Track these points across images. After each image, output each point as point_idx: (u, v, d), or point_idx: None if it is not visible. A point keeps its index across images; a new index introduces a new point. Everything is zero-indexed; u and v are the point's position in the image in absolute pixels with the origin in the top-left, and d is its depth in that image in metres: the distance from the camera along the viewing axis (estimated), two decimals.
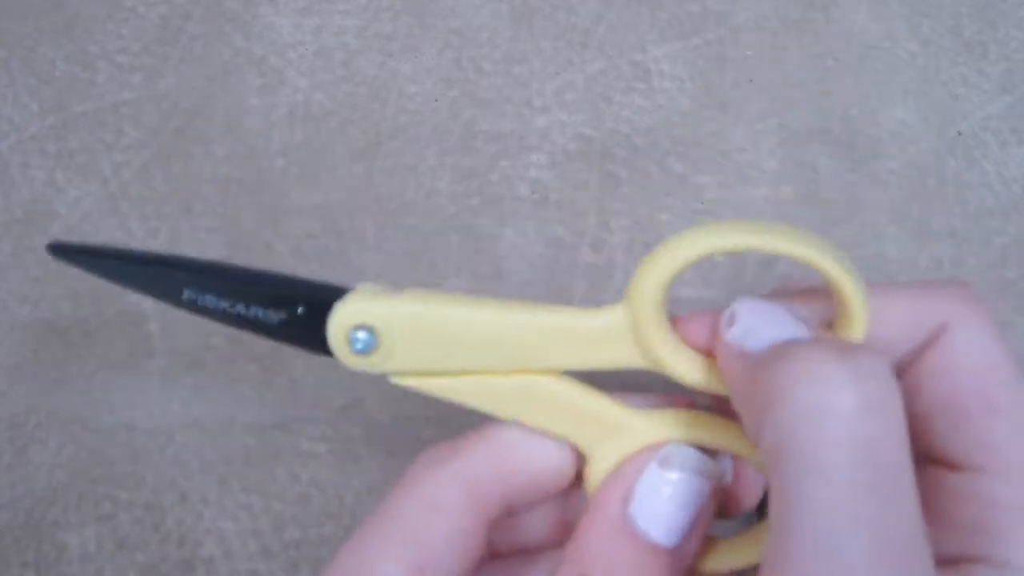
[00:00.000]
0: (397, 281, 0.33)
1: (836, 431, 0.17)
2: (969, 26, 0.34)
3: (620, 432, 0.23)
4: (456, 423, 0.32)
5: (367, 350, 0.22)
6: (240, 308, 0.22)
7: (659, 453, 0.22)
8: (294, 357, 0.33)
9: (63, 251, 0.23)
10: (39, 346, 0.33)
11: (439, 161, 0.34)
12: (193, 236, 0.33)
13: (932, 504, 0.20)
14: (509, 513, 0.23)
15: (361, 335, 0.22)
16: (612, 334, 0.22)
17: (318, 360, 0.33)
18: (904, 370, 0.21)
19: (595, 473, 0.23)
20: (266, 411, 0.32)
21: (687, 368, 0.22)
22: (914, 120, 0.33)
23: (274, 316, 0.22)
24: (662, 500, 0.21)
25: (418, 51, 0.35)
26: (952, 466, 0.20)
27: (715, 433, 0.23)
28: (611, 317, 0.22)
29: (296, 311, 0.22)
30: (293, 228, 0.33)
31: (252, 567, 0.31)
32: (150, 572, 0.31)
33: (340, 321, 0.22)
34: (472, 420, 0.23)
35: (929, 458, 0.21)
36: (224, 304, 0.22)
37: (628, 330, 0.22)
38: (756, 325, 0.20)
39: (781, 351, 0.19)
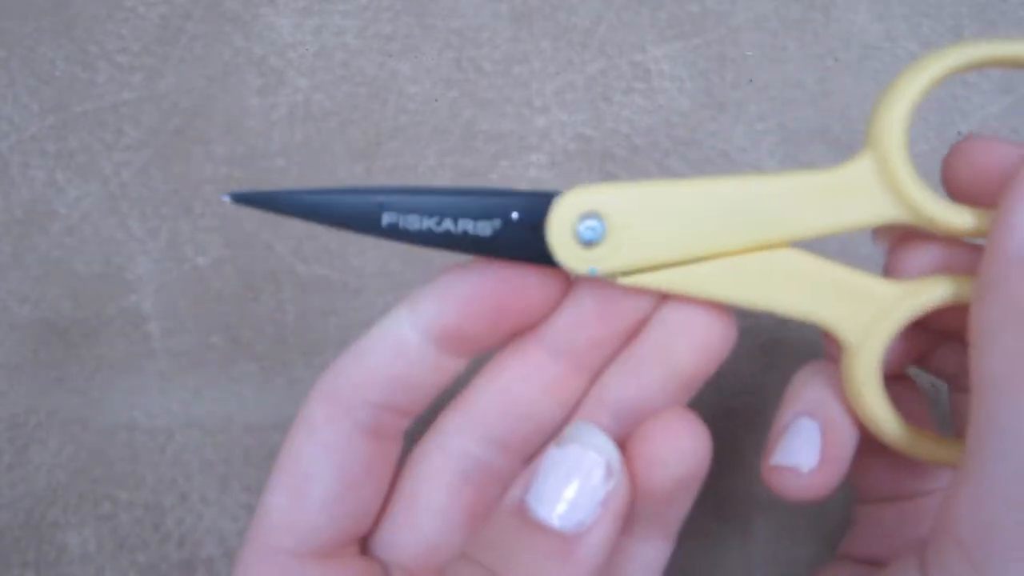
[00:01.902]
0: (397, 281, 0.33)
1: None
2: (969, 26, 0.34)
3: (877, 305, 0.20)
4: None
5: (596, 240, 0.20)
6: (448, 224, 0.21)
7: (560, 433, 0.21)
8: (294, 357, 0.33)
9: (243, 198, 0.22)
10: (39, 346, 0.33)
11: (439, 161, 0.34)
12: (193, 236, 0.33)
13: None
14: (401, 413, 0.23)
15: (590, 223, 0.21)
16: (859, 185, 0.20)
17: (318, 360, 0.33)
18: None
19: (857, 359, 0.21)
20: (266, 411, 0.32)
21: (949, 212, 0.20)
22: (914, 120, 0.33)
23: (487, 227, 0.21)
24: (554, 480, 0.20)
25: (418, 51, 0.35)
26: None
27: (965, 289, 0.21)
28: (855, 166, 0.20)
29: (510, 217, 0.21)
30: (293, 228, 0.33)
31: None
32: (150, 572, 0.32)
33: (566, 210, 0.21)
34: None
35: None
36: (430, 223, 0.21)
37: (877, 178, 0.20)
38: None
39: None
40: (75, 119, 0.35)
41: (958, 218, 0.20)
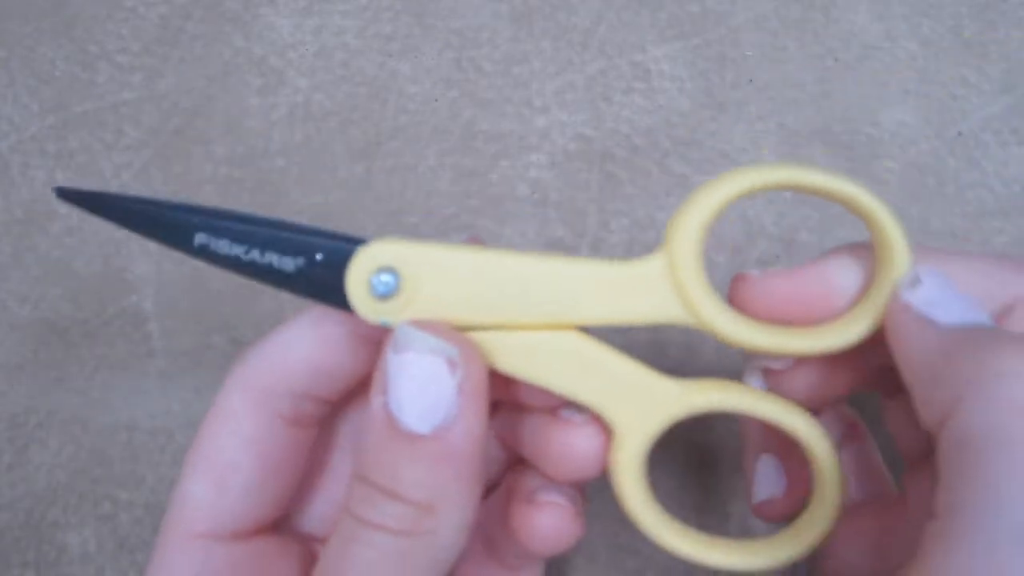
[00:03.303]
0: None
1: None
2: (969, 26, 0.34)
3: (651, 398, 0.21)
4: None
5: (388, 293, 0.21)
6: (255, 254, 0.22)
7: (392, 336, 0.21)
8: None
9: (68, 195, 0.22)
10: (39, 346, 0.33)
11: (439, 161, 0.34)
12: None
13: None
14: (320, 401, 0.24)
15: (384, 277, 0.21)
16: (649, 284, 0.21)
17: None
18: None
19: (621, 446, 0.22)
20: None
21: (729, 323, 0.21)
22: (914, 120, 0.33)
23: (291, 263, 0.22)
24: (402, 385, 0.20)
25: (418, 51, 0.35)
26: None
27: (755, 402, 0.22)
28: (649, 265, 0.21)
29: (314, 258, 0.22)
30: None
31: None
32: None
33: (364, 262, 0.21)
34: None
35: None
36: (239, 250, 0.22)
37: (667, 280, 0.21)
38: (942, 297, 0.20)
39: (987, 336, 0.19)
40: (75, 119, 0.35)
41: (741, 333, 0.21)
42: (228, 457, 0.23)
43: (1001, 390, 0.17)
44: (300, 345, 0.23)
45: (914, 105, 0.33)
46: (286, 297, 0.33)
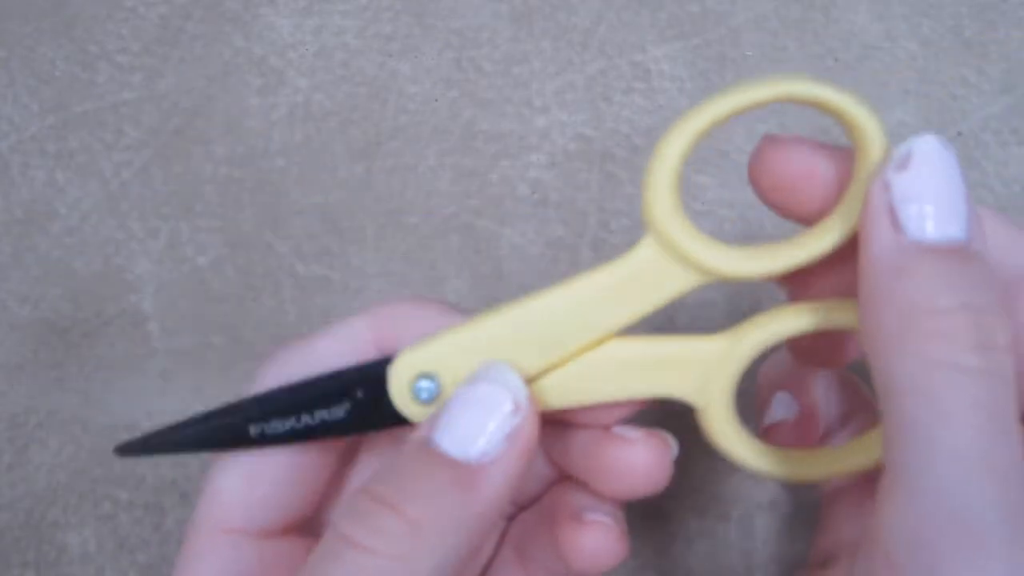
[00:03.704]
0: (397, 281, 0.33)
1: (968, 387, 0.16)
2: (969, 26, 0.34)
3: (709, 363, 0.21)
4: None
5: (433, 397, 0.22)
6: (307, 419, 0.22)
7: (471, 373, 0.21)
8: None
9: (129, 449, 0.23)
10: (39, 346, 0.33)
11: (439, 161, 0.34)
12: (193, 236, 0.33)
13: None
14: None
15: (424, 384, 0.22)
16: (652, 266, 0.21)
17: None
18: None
19: (710, 419, 0.22)
20: None
21: (739, 263, 0.21)
22: (914, 120, 0.33)
23: (340, 411, 0.22)
24: (457, 412, 0.20)
25: (418, 51, 0.35)
26: None
27: (799, 315, 0.21)
28: (642, 251, 0.21)
29: (357, 395, 0.22)
30: (293, 228, 0.33)
31: None
32: (150, 572, 0.31)
33: (400, 379, 0.22)
34: None
35: None
36: (290, 422, 0.22)
37: (663, 255, 0.21)
38: (929, 194, 0.18)
39: (945, 260, 0.17)
40: (75, 119, 0.35)
41: (749, 267, 0.21)
42: (260, 452, 0.23)
43: (931, 346, 0.17)
44: (330, 348, 0.23)
45: (914, 105, 0.33)
46: (287, 296, 0.33)
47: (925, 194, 0.18)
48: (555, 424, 0.24)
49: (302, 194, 0.34)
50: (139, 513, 0.32)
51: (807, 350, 0.24)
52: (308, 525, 0.25)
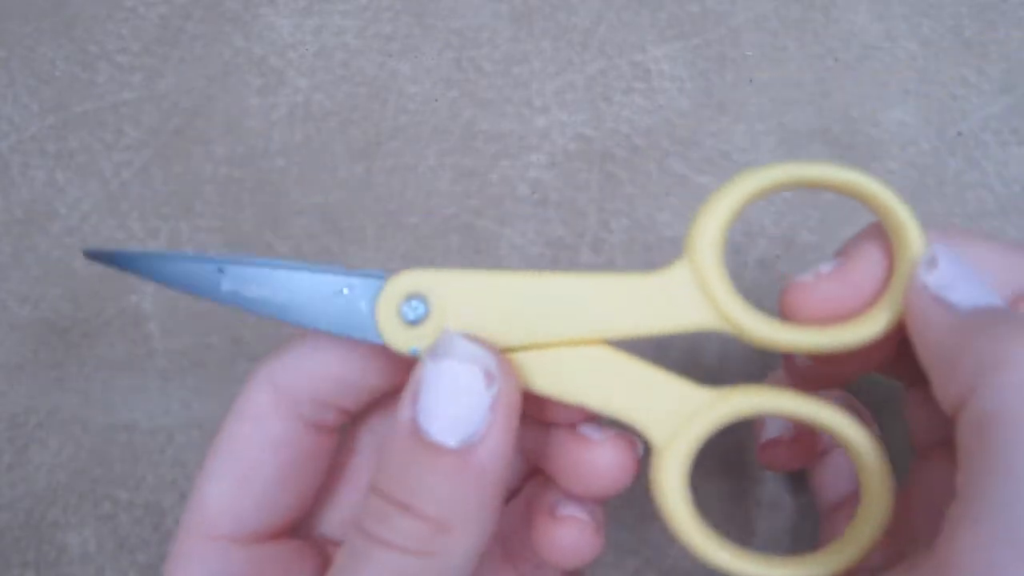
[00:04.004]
0: None
1: None
2: (969, 26, 0.34)
3: (686, 409, 0.21)
4: None
5: (418, 320, 0.21)
6: (284, 296, 0.22)
7: (431, 344, 0.21)
8: None
9: (97, 256, 0.23)
10: (39, 346, 0.33)
11: (439, 161, 0.34)
12: (193, 236, 0.33)
13: None
14: (342, 411, 0.24)
15: (414, 303, 0.21)
16: (675, 292, 0.21)
17: None
18: None
19: (662, 462, 0.21)
20: None
21: (759, 325, 0.21)
22: (914, 120, 0.33)
23: (320, 301, 0.22)
24: (435, 394, 0.20)
25: (418, 51, 0.35)
26: None
27: (795, 403, 0.21)
28: (673, 273, 0.21)
29: (342, 291, 0.22)
30: (293, 228, 0.33)
31: None
32: (150, 572, 0.31)
33: (393, 291, 0.22)
34: None
35: None
36: (266, 292, 0.22)
37: (692, 287, 0.21)
38: (958, 278, 0.20)
39: (1003, 317, 0.19)
40: (75, 119, 0.35)
41: (771, 332, 0.21)
42: (252, 456, 0.23)
43: (1016, 373, 0.17)
44: (329, 354, 0.23)
45: (914, 105, 0.33)
46: None
47: (957, 280, 0.20)
48: (530, 420, 0.24)
49: (302, 194, 0.34)
50: (139, 513, 0.32)
51: (805, 374, 0.24)
52: (299, 527, 0.25)
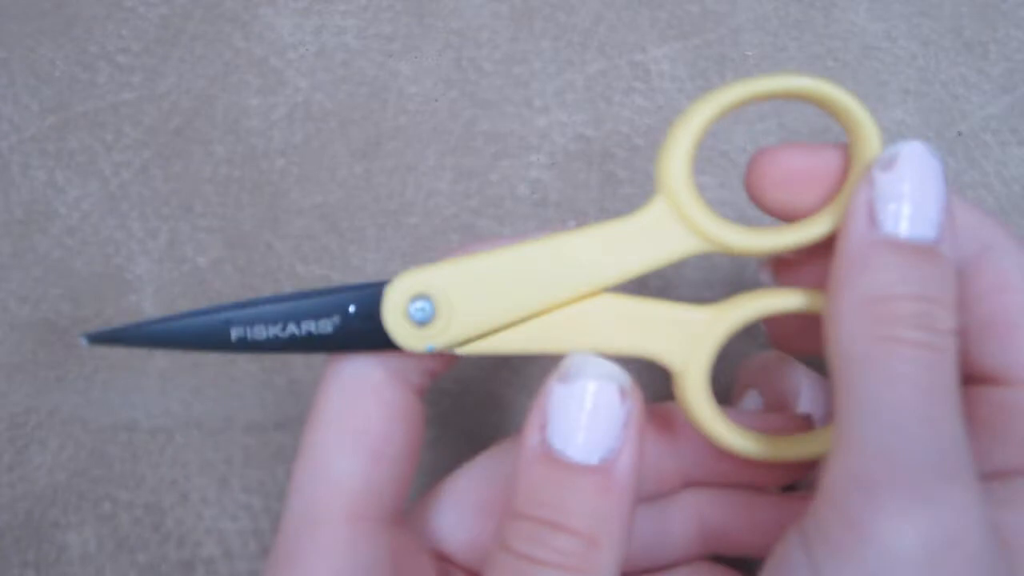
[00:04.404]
0: None
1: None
2: (969, 26, 0.34)
3: (694, 330, 0.22)
4: (455, 421, 0.32)
5: (427, 319, 0.22)
6: (292, 328, 0.22)
7: (559, 368, 0.21)
8: (294, 357, 0.33)
9: (100, 337, 0.22)
10: (39, 346, 0.33)
11: (439, 161, 0.34)
12: (193, 236, 0.33)
13: (984, 421, 0.21)
14: (434, 374, 0.24)
15: (420, 304, 0.22)
16: (658, 227, 0.22)
17: (317, 360, 0.33)
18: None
19: (685, 384, 0.22)
20: (266, 411, 0.32)
21: (741, 237, 0.22)
22: (914, 120, 0.33)
23: (328, 324, 0.22)
24: (570, 415, 0.20)
25: (418, 51, 0.35)
26: (1000, 381, 0.21)
27: (784, 299, 0.22)
28: (651, 210, 0.22)
29: (347, 310, 0.22)
30: (293, 228, 0.33)
31: (252, 567, 0.31)
32: (150, 572, 0.31)
33: (396, 297, 0.22)
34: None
35: (978, 376, 0.21)
36: (275, 330, 0.22)
37: (671, 218, 0.22)
38: (903, 194, 0.20)
39: (888, 272, 0.19)
40: (75, 119, 0.35)
41: (751, 242, 0.22)
42: (380, 429, 0.22)
43: (882, 324, 0.19)
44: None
45: (914, 105, 0.33)
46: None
47: (904, 195, 0.20)
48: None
49: (302, 194, 0.34)
50: (139, 513, 0.32)
51: (784, 333, 0.25)
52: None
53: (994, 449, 0.20)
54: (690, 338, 0.22)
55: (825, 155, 0.22)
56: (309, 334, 0.22)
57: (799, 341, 0.25)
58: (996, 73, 0.33)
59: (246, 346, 0.22)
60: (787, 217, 0.22)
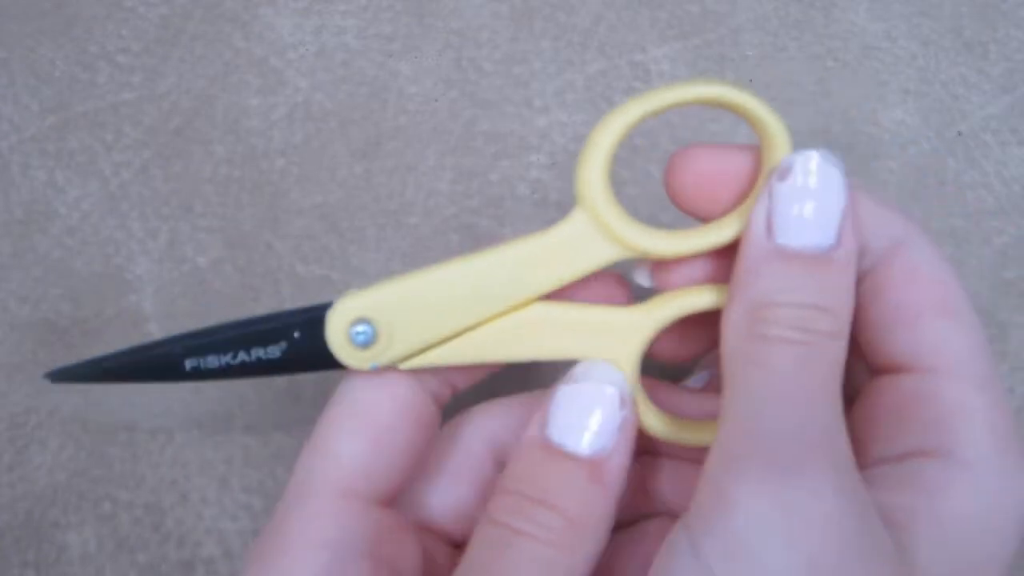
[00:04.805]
0: None
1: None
2: (969, 26, 0.34)
3: (624, 329, 0.23)
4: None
5: (369, 342, 0.23)
6: (243, 355, 0.23)
7: (568, 374, 0.23)
8: None
9: (60, 375, 0.24)
10: (39, 346, 0.33)
11: (439, 161, 0.34)
12: (193, 236, 0.33)
13: (890, 408, 0.22)
14: (454, 388, 0.25)
15: (360, 328, 0.23)
16: (580, 238, 0.23)
17: None
18: (863, 276, 0.22)
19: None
20: (266, 411, 0.32)
21: (659, 242, 0.23)
22: (914, 120, 0.33)
23: (276, 350, 0.23)
24: (571, 411, 0.22)
25: (418, 51, 0.35)
26: (904, 369, 0.22)
27: (699, 296, 0.23)
28: (573, 222, 0.23)
29: (293, 336, 0.23)
30: (293, 228, 0.33)
31: None
32: (150, 572, 0.31)
33: (338, 322, 0.23)
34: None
35: (887, 365, 0.22)
36: (226, 358, 0.23)
37: (592, 228, 0.23)
38: (801, 198, 0.21)
39: (773, 277, 0.20)
40: (75, 119, 0.35)
41: (667, 246, 0.23)
42: (386, 419, 0.23)
43: (765, 327, 0.20)
44: None
45: (914, 105, 0.33)
46: (287, 296, 0.33)
47: (797, 204, 0.21)
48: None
49: (302, 194, 0.34)
50: (139, 513, 0.32)
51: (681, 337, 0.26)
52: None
53: (898, 434, 0.21)
54: (620, 338, 0.23)
55: (736, 158, 0.23)
56: (259, 360, 0.23)
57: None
58: (996, 73, 0.33)
59: (200, 375, 0.23)
60: (702, 218, 0.23)
